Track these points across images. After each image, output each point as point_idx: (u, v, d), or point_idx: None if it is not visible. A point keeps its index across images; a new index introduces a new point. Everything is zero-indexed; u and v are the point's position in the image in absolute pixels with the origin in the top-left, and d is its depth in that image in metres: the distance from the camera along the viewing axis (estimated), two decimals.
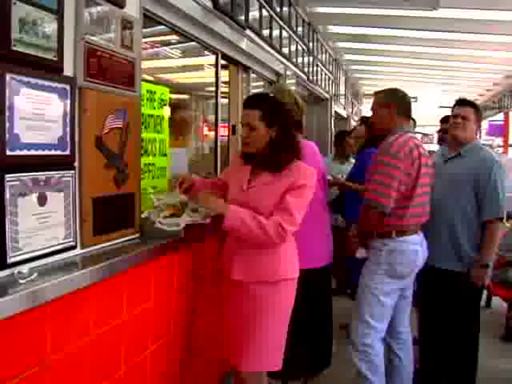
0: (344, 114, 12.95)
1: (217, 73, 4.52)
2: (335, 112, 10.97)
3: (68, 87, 2.03)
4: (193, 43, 4.27)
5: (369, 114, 3.70)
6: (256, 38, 5.19)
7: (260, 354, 2.65)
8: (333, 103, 10.56)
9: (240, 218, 2.46)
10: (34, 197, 1.87)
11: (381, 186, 3.02)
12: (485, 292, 4.91)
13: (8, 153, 1.73)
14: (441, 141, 5.09)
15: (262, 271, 2.61)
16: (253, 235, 2.49)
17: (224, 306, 2.80)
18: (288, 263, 2.69)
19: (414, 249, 3.14)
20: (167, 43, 5.67)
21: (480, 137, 16.22)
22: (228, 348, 2.77)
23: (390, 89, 3.38)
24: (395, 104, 3.25)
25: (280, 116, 2.65)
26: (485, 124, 19.71)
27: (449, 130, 3.65)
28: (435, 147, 6.80)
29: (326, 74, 10.04)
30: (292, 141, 2.68)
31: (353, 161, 5.82)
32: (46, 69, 1.91)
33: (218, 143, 4.65)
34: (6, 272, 1.77)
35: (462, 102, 3.59)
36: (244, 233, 2.50)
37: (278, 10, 6.20)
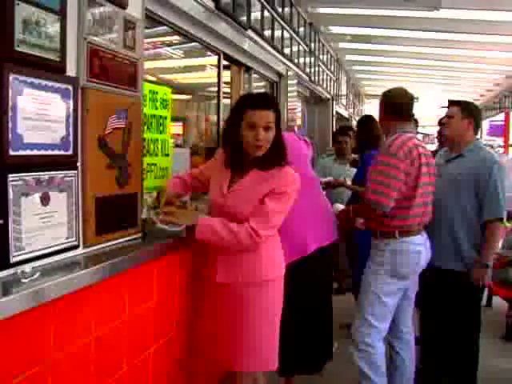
0: (345, 114, 12.97)
1: (219, 73, 4.53)
2: (337, 112, 10.98)
3: (71, 87, 2.04)
4: (195, 44, 4.29)
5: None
6: (258, 39, 5.20)
7: (252, 354, 2.64)
8: (334, 103, 10.57)
9: (210, 229, 2.45)
10: (36, 196, 1.88)
11: (380, 185, 3.03)
12: (485, 291, 4.91)
13: (11, 153, 1.74)
14: (440, 143, 5.13)
15: (245, 272, 2.58)
16: (225, 243, 2.48)
17: (212, 308, 2.78)
18: (271, 263, 2.66)
19: (417, 249, 3.14)
20: (169, 44, 5.68)
21: (481, 137, 16.29)
22: (220, 350, 2.75)
23: (388, 89, 3.41)
24: (383, 104, 3.33)
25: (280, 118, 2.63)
26: (486, 124, 19.72)
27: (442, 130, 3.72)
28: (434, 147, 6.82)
29: (327, 75, 10.05)
30: (283, 143, 2.62)
31: None
32: (48, 69, 1.91)
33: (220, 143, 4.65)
34: (9, 271, 1.77)
35: (448, 103, 3.65)
36: (216, 241, 2.50)
37: (280, 10, 6.21)
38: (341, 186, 4.94)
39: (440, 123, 4.72)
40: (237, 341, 2.63)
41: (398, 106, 3.25)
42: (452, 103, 3.61)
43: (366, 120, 4.94)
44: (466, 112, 3.50)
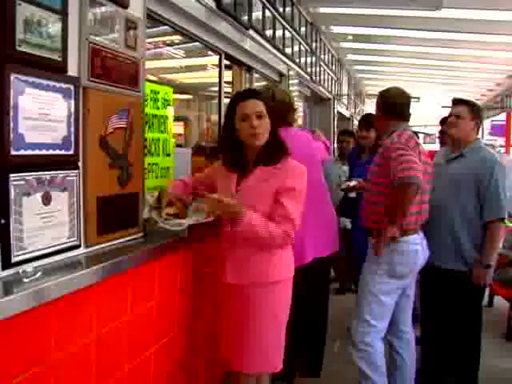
0: (347, 114, 12.97)
1: (220, 73, 4.53)
2: (338, 112, 10.98)
3: (72, 87, 2.04)
4: (196, 43, 4.29)
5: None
6: (259, 39, 5.21)
7: (258, 355, 2.63)
8: (335, 103, 10.57)
9: (252, 224, 2.45)
10: (38, 196, 1.88)
11: (404, 163, 2.90)
12: (487, 291, 4.90)
13: (13, 152, 1.74)
14: (442, 143, 5.10)
15: (256, 274, 2.58)
16: (260, 241, 2.51)
17: (220, 309, 2.80)
18: (282, 264, 2.66)
19: (414, 249, 3.13)
20: (171, 43, 5.68)
21: (482, 137, 16.33)
22: (226, 349, 2.76)
23: (384, 89, 3.40)
24: (380, 104, 3.32)
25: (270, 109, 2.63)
26: (487, 124, 19.70)
27: (446, 130, 3.67)
28: (436, 147, 6.81)
29: (328, 74, 10.06)
30: (278, 134, 2.64)
31: None
32: (50, 69, 1.91)
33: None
34: (11, 271, 1.78)
35: (456, 102, 3.59)
36: (253, 237, 2.51)
37: (281, 10, 6.21)
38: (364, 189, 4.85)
39: (443, 122, 4.67)
40: (244, 341, 2.63)
41: (395, 106, 3.24)
42: (458, 102, 3.57)
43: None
44: (474, 113, 3.47)
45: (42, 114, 1.88)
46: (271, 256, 2.59)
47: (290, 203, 2.50)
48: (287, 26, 6.50)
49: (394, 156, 2.99)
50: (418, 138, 3.35)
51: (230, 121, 2.60)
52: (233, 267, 2.63)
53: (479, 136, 3.69)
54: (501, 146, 18.46)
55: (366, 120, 4.91)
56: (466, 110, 3.46)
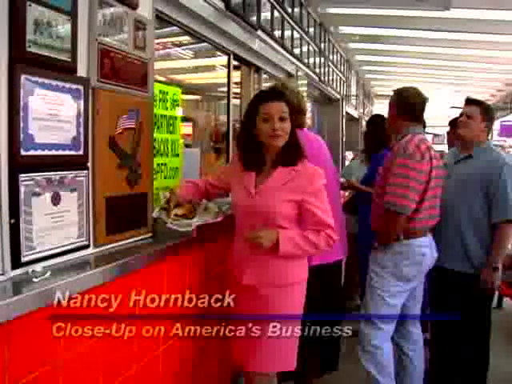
0: (355, 114, 12.93)
1: (229, 73, 4.53)
2: (346, 113, 10.95)
3: (81, 88, 2.05)
4: (205, 44, 4.29)
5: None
6: (268, 39, 5.20)
7: (273, 355, 2.63)
8: (344, 104, 10.54)
9: (293, 243, 2.49)
10: (47, 196, 1.89)
11: (398, 187, 3.00)
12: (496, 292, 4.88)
13: (22, 153, 1.75)
14: (449, 142, 5.07)
15: (276, 276, 2.59)
16: (305, 254, 2.61)
17: (234, 310, 2.79)
18: (298, 266, 2.67)
19: (421, 251, 3.12)
20: (179, 44, 5.68)
21: (491, 137, 16.25)
22: (239, 350, 2.75)
23: (399, 88, 3.39)
24: (396, 104, 3.31)
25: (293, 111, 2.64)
26: (497, 125, 19.61)
27: (456, 129, 3.67)
28: (445, 147, 6.76)
29: (337, 75, 10.03)
30: (297, 136, 2.63)
31: None
32: (59, 69, 1.92)
33: (230, 143, 4.65)
34: (20, 271, 1.78)
35: (468, 101, 3.58)
36: (298, 254, 2.56)
37: (290, 10, 6.20)
38: (353, 188, 4.85)
39: (453, 123, 4.63)
40: (261, 341, 2.60)
41: (411, 106, 3.24)
42: (471, 102, 3.55)
43: (378, 119, 4.90)
44: (486, 114, 3.45)
45: (52, 114, 1.89)
46: (290, 259, 2.59)
47: (318, 209, 2.54)
48: (296, 26, 6.49)
49: (394, 172, 3.03)
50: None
51: (250, 119, 2.60)
52: (252, 270, 2.62)
53: (489, 137, 3.67)
54: (510, 147, 18.39)
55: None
56: (478, 111, 3.45)
